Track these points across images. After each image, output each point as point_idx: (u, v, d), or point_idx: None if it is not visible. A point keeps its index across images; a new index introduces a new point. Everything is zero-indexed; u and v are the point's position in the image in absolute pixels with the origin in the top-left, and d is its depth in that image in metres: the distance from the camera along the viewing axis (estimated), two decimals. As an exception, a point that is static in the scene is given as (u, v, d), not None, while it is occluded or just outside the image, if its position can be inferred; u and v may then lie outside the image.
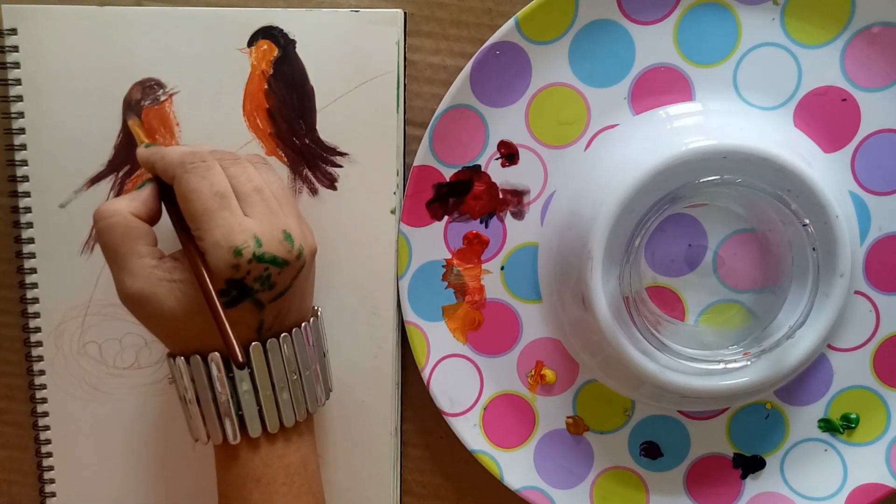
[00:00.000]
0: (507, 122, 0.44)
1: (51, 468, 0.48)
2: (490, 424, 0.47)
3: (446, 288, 0.46)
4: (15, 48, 0.45)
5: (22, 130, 0.46)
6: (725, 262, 0.44)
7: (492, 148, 0.44)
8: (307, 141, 0.45)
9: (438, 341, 0.46)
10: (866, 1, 0.42)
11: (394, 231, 0.45)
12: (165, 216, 0.40)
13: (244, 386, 0.38)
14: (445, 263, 0.46)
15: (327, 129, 0.45)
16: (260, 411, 0.39)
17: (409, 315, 0.46)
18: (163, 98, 0.45)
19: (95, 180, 0.46)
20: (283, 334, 0.39)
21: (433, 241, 0.45)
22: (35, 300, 0.47)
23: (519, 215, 0.45)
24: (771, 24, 0.43)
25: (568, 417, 0.47)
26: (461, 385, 0.46)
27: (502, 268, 0.46)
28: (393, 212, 0.45)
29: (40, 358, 0.47)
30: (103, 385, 0.48)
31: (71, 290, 0.47)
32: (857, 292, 0.45)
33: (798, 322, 0.40)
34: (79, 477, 0.49)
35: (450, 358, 0.46)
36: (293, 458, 0.40)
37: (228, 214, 0.37)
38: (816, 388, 0.46)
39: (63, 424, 0.48)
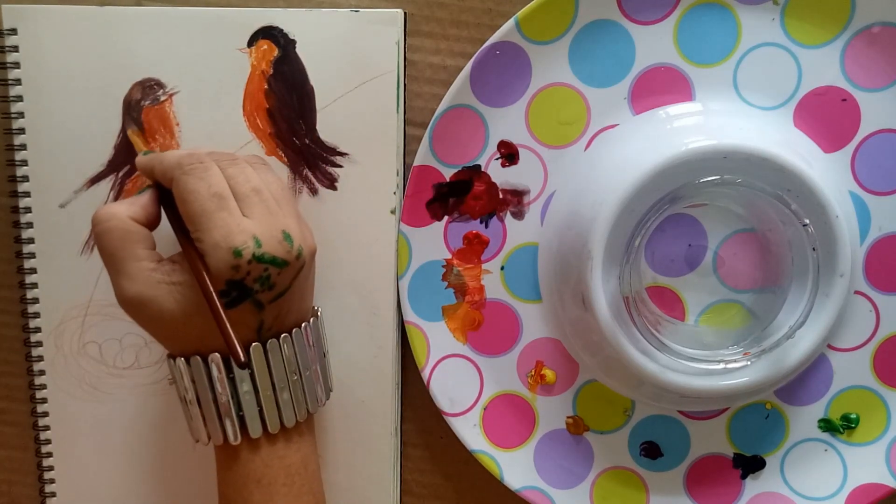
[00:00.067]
0: (507, 122, 0.44)
1: (51, 468, 0.48)
2: (490, 424, 0.47)
3: (446, 288, 0.46)
4: (15, 48, 0.45)
5: (22, 130, 0.46)
6: (725, 262, 0.44)
7: (492, 148, 0.44)
8: (307, 141, 0.45)
9: (438, 341, 0.46)
10: (866, 1, 0.42)
11: (394, 231, 0.45)
12: (165, 222, 0.40)
13: (244, 386, 0.38)
14: (445, 263, 0.46)
15: (327, 129, 0.45)
16: (260, 412, 0.39)
17: (409, 315, 0.46)
18: (163, 98, 0.45)
19: (95, 180, 0.46)
20: (283, 335, 0.39)
21: (433, 241, 0.45)
22: (35, 300, 0.47)
23: (519, 215, 0.45)
24: (771, 24, 0.43)
25: (568, 417, 0.47)
26: (461, 385, 0.46)
27: (502, 268, 0.46)
28: (393, 212, 0.45)
29: (40, 358, 0.47)
30: (103, 385, 0.48)
31: (71, 290, 0.47)
32: (857, 292, 0.45)
33: (798, 322, 0.40)
34: (79, 477, 0.49)
35: (450, 358, 0.46)
36: (294, 458, 0.40)
37: (227, 215, 0.36)
38: (816, 388, 0.46)
39: (63, 424, 0.48)
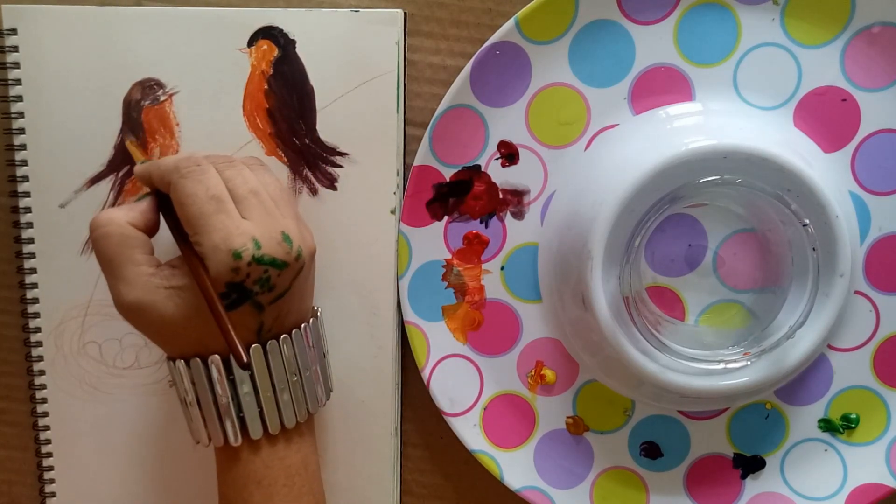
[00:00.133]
0: (507, 122, 0.44)
1: (51, 468, 0.48)
2: (490, 424, 0.47)
3: (446, 288, 0.46)
4: (15, 48, 0.45)
5: (22, 130, 0.46)
6: (725, 262, 0.44)
7: (492, 148, 0.44)
8: (307, 141, 0.45)
9: (438, 341, 0.46)
10: (866, 1, 0.42)
11: (394, 231, 0.45)
12: (164, 227, 0.40)
13: (245, 388, 0.38)
14: (445, 263, 0.46)
15: (327, 129, 0.45)
16: (261, 413, 0.39)
17: (409, 315, 0.46)
18: (163, 98, 0.45)
19: (95, 180, 0.46)
20: (283, 336, 0.39)
21: (433, 241, 0.45)
22: (35, 300, 0.47)
23: (519, 215, 0.45)
24: (771, 24, 0.43)
25: (568, 417, 0.47)
26: (461, 385, 0.46)
27: (502, 268, 0.46)
28: (393, 212, 0.45)
29: (40, 358, 0.47)
30: (103, 385, 0.48)
31: (71, 290, 0.47)
32: (857, 292, 0.45)
33: (798, 322, 0.40)
34: (79, 477, 0.49)
35: (450, 358, 0.46)
36: (294, 458, 0.40)
37: (225, 217, 0.36)
38: (816, 388, 0.46)
39: (63, 424, 0.48)
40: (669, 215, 0.44)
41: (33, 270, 0.47)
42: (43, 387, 0.48)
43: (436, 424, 0.48)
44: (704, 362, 0.41)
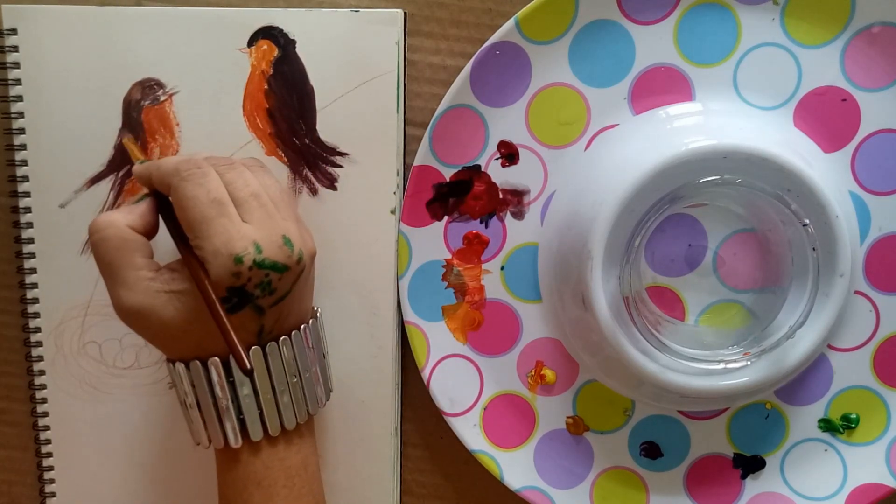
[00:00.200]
0: (507, 122, 0.44)
1: (51, 468, 0.48)
2: (490, 424, 0.47)
3: (446, 288, 0.46)
4: (15, 48, 0.45)
5: (22, 130, 0.46)
6: (725, 262, 0.44)
7: (492, 148, 0.44)
8: (307, 141, 0.45)
9: (438, 341, 0.46)
10: (866, 1, 0.42)
11: (394, 231, 0.45)
12: (163, 230, 0.40)
13: (245, 390, 0.38)
14: (445, 263, 0.46)
15: (327, 129, 0.45)
16: (261, 415, 0.39)
17: (409, 315, 0.46)
18: (163, 98, 0.45)
19: (95, 180, 0.46)
20: (283, 337, 0.39)
21: (433, 241, 0.45)
22: (35, 300, 0.47)
23: (519, 215, 0.45)
24: (771, 24, 0.43)
25: (568, 417, 0.47)
26: (461, 385, 0.46)
27: (502, 268, 0.46)
28: (393, 212, 0.45)
29: (40, 358, 0.47)
30: (103, 385, 0.48)
31: (71, 290, 0.47)
32: (857, 292, 0.45)
33: (798, 322, 0.40)
34: (79, 477, 0.49)
35: (450, 358, 0.46)
36: (294, 460, 0.40)
37: (227, 221, 0.36)
38: (816, 388, 0.46)
39: (63, 424, 0.48)
40: (669, 215, 0.44)
41: (33, 270, 0.47)
42: (43, 387, 0.48)
43: (436, 424, 0.48)
44: (704, 362, 0.41)
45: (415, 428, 0.49)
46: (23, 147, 0.46)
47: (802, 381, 0.46)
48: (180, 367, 0.39)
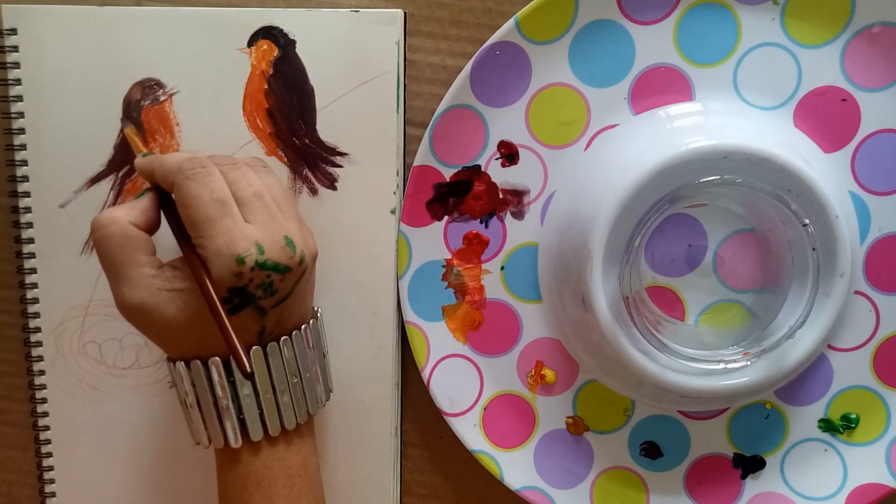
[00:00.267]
0: (507, 122, 0.44)
1: (51, 468, 0.48)
2: (490, 424, 0.47)
3: (446, 288, 0.46)
4: (15, 48, 0.45)
5: (22, 130, 0.46)
6: (725, 262, 0.44)
7: (492, 148, 0.44)
8: (307, 141, 0.45)
9: (438, 341, 0.46)
10: (866, 1, 0.42)
11: (394, 231, 0.45)
12: (165, 226, 0.40)
13: (245, 390, 0.38)
14: (445, 263, 0.46)
15: (327, 129, 0.45)
16: (261, 414, 0.39)
17: (409, 315, 0.46)
18: (163, 98, 0.45)
19: (95, 180, 0.46)
20: (284, 337, 0.39)
21: (433, 241, 0.45)
22: (35, 300, 0.47)
23: (519, 215, 0.45)
24: (771, 24, 0.43)
25: (568, 417, 0.47)
26: (461, 385, 0.46)
27: (502, 268, 0.46)
28: (393, 212, 0.45)
29: (40, 358, 0.47)
30: (103, 385, 0.48)
31: (71, 290, 0.47)
32: (857, 292, 0.45)
33: (798, 322, 0.40)
34: (79, 477, 0.49)
35: (450, 358, 0.46)
36: (294, 460, 0.40)
37: (230, 221, 0.36)
38: (816, 388, 0.46)
39: (63, 424, 0.48)
40: (669, 215, 0.44)
41: (33, 270, 0.47)
42: (43, 387, 0.48)
43: (436, 424, 0.48)
44: (704, 362, 0.41)
45: (415, 428, 0.49)
46: (23, 147, 0.46)
47: (802, 381, 0.46)
48: (181, 366, 0.39)
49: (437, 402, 0.46)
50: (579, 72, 0.43)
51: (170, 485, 0.48)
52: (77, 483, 0.49)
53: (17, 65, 0.45)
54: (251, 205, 0.37)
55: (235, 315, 0.37)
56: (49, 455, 0.48)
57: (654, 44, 0.43)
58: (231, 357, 0.38)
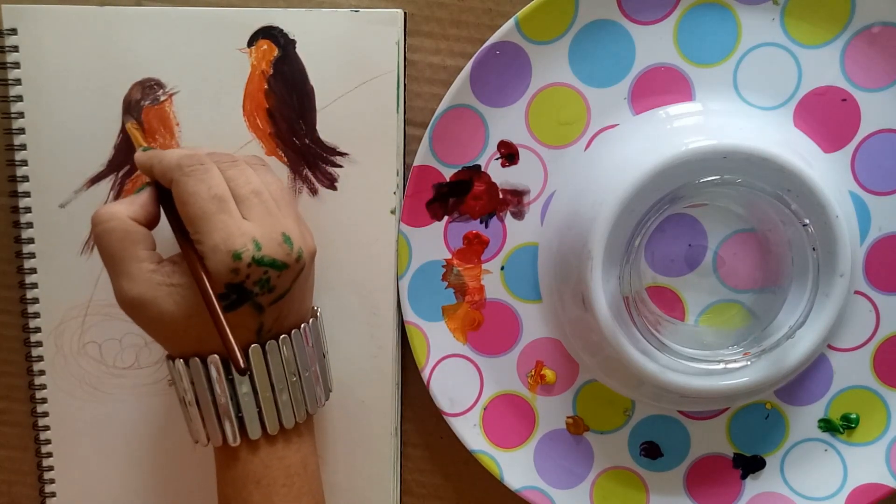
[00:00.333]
0: (507, 122, 0.44)
1: (51, 468, 0.48)
2: (490, 424, 0.47)
3: (446, 288, 0.46)
4: (15, 48, 0.45)
5: (22, 130, 0.46)
6: (725, 262, 0.44)
7: (492, 148, 0.44)
8: (307, 141, 0.45)
9: (438, 341, 0.46)
10: (866, 1, 0.42)
11: (394, 231, 0.45)
12: (164, 220, 0.40)
13: (244, 388, 0.38)
14: (445, 263, 0.46)
15: (327, 129, 0.45)
16: (259, 413, 0.39)
17: (409, 315, 0.46)
18: (163, 98, 0.45)
19: (95, 180, 0.46)
20: (283, 336, 0.39)
21: (433, 241, 0.45)
22: (35, 300, 0.47)
23: (519, 215, 0.45)
24: (771, 24, 0.43)
25: (568, 417, 0.47)
26: (461, 385, 0.46)
27: (502, 268, 0.46)
28: (393, 212, 0.45)
29: (40, 358, 0.47)
30: (103, 385, 0.48)
31: (71, 290, 0.47)
32: (857, 292, 0.45)
33: (798, 322, 0.40)
34: (79, 477, 0.49)
35: (450, 358, 0.46)
36: (293, 459, 0.40)
37: (227, 218, 0.36)
38: (816, 388, 0.46)
39: (63, 424, 0.48)
40: (669, 215, 0.44)
41: (33, 270, 0.47)
42: (43, 387, 0.48)
43: (436, 424, 0.48)
44: (704, 362, 0.41)
45: (415, 428, 0.49)
46: (23, 147, 0.46)
47: (802, 381, 0.46)
48: (180, 364, 0.39)
49: (437, 402, 0.46)
50: (579, 72, 0.43)
51: (170, 484, 0.48)
52: (77, 483, 0.49)
53: (17, 65, 0.45)
54: (249, 201, 0.37)
55: (233, 312, 0.37)
56: (49, 455, 0.48)
57: (654, 44, 0.43)
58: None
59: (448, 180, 0.45)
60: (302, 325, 0.41)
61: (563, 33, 0.43)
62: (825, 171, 0.42)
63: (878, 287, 0.45)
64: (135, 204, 0.39)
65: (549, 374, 0.46)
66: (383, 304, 0.46)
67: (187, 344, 0.38)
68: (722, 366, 0.41)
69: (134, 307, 0.38)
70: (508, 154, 0.44)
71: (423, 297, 0.46)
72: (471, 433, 0.46)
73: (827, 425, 0.46)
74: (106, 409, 0.48)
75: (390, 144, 0.45)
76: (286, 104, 0.45)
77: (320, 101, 0.45)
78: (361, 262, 0.46)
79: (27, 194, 0.46)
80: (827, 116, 0.43)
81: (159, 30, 0.45)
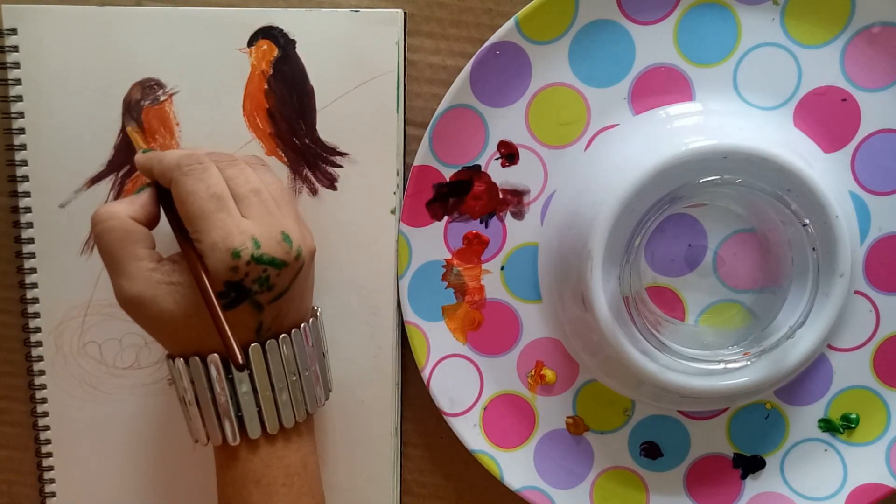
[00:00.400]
0: (507, 122, 0.44)
1: (51, 468, 0.48)
2: (490, 424, 0.47)
3: (446, 288, 0.46)
4: (15, 48, 0.45)
5: (22, 130, 0.46)
6: (725, 262, 0.44)
7: (492, 148, 0.44)
8: (307, 141, 0.45)
9: (438, 341, 0.46)
10: (866, 1, 0.42)
11: (394, 231, 0.45)
12: (164, 221, 0.40)
13: (243, 387, 0.38)
14: (445, 263, 0.46)
15: (327, 129, 0.45)
16: (259, 412, 0.39)
17: (409, 315, 0.46)
18: (163, 98, 0.45)
19: (95, 180, 0.46)
20: (283, 335, 0.39)
21: (433, 241, 0.45)
22: (35, 300, 0.47)
23: (519, 215, 0.45)
24: (771, 24, 0.43)
25: (568, 417, 0.47)
26: (461, 385, 0.46)
27: (502, 268, 0.46)
28: (393, 212, 0.45)
29: (40, 358, 0.47)
30: (103, 385, 0.48)
31: (71, 290, 0.47)
32: (857, 292, 0.45)
33: (798, 322, 0.40)
34: (79, 477, 0.49)
35: (450, 358, 0.46)
36: (293, 458, 0.40)
37: (226, 216, 0.36)
38: (816, 388, 0.46)
39: (63, 424, 0.48)
40: (669, 215, 0.44)
41: (33, 270, 0.47)
42: (43, 387, 0.48)
43: (436, 424, 0.48)
44: (704, 362, 0.41)
45: (415, 428, 0.49)
46: (23, 147, 0.46)
47: (802, 381, 0.46)
48: (180, 363, 0.39)
49: (437, 402, 0.46)
50: (579, 72, 0.43)
51: (169, 484, 0.48)
52: (77, 483, 0.49)
53: (17, 65, 0.45)
54: (248, 200, 0.37)
55: (232, 310, 0.37)
56: (49, 455, 0.48)
57: (654, 44, 0.43)
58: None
59: (448, 180, 0.45)
60: (302, 325, 0.41)
61: (563, 33, 0.43)
62: (825, 171, 0.42)
63: (878, 287, 0.45)
64: (135, 204, 0.39)
65: (549, 374, 0.46)
66: (383, 304, 0.46)
67: (187, 343, 0.39)
68: (722, 366, 0.41)
69: (134, 306, 0.38)
70: (508, 154, 0.44)
71: (423, 297, 0.46)
72: (471, 433, 0.46)
73: (827, 425, 0.46)
74: (106, 409, 0.48)
75: (390, 144, 0.45)
76: (286, 104, 0.45)
77: (320, 101, 0.45)
78: (361, 262, 0.46)
79: (27, 194, 0.46)
80: (827, 116, 0.43)
81: (159, 30, 0.45)
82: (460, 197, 0.45)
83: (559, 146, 0.44)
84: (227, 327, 0.36)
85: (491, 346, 0.46)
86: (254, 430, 0.39)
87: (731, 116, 0.43)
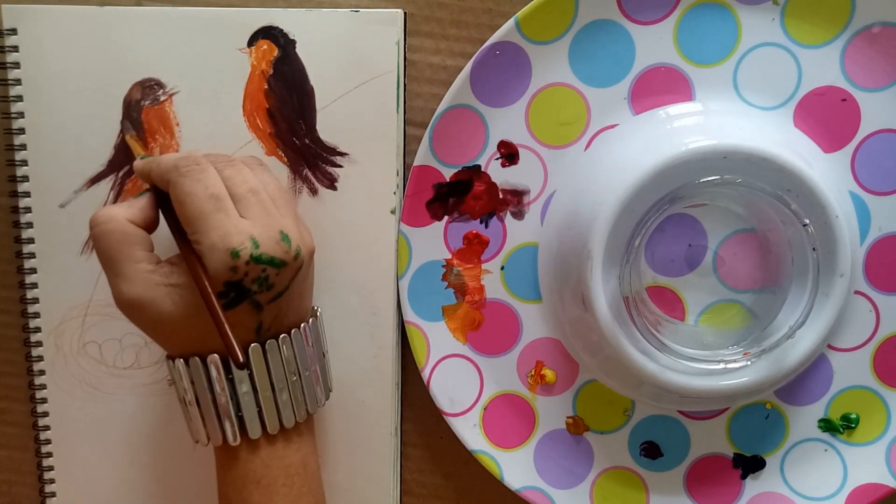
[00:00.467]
0: (507, 122, 0.44)
1: (51, 468, 0.48)
2: (490, 424, 0.47)
3: (446, 288, 0.46)
4: (15, 48, 0.45)
5: (22, 130, 0.46)
6: (725, 262, 0.44)
7: (492, 148, 0.44)
8: (307, 141, 0.45)
9: (438, 341, 0.46)
10: (866, 1, 0.42)
11: (394, 231, 0.45)
12: (164, 224, 0.40)
13: (244, 387, 0.38)
14: (445, 263, 0.46)
15: (327, 129, 0.45)
16: (259, 412, 0.39)
17: (409, 315, 0.46)
18: (163, 98, 0.45)
19: (95, 180, 0.46)
20: (283, 335, 0.39)
21: (433, 241, 0.45)
22: (35, 300, 0.47)
23: (519, 215, 0.45)
24: (771, 24, 0.43)
25: (568, 417, 0.47)
26: (461, 385, 0.46)
27: (502, 268, 0.46)
28: (393, 212, 0.45)
29: (40, 358, 0.47)
30: (103, 385, 0.48)
31: (71, 290, 0.47)
32: (857, 292, 0.45)
33: (798, 322, 0.40)
34: (79, 477, 0.49)
35: (450, 358, 0.46)
36: (293, 458, 0.40)
37: (224, 216, 0.36)
38: (816, 388, 0.46)
39: (63, 424, 0.48)
40: (669, 215, 0.44)
41: (33, 270, 0.47)
42: (43, 387, 0.48)
43: (436, 424, 0.48)
44: (704, 362, 0.41)
45: (415, 428, 0.49)
46: (23, 147, 0.46)
47: (802, 381, 0.46)
48: (180, 363, 0.39)
49: (437, 402, 0.46)
50: (579, 72, 0.43)
51: (169, 484, 0.48)
52: (77, 483, 0.49)
53: (17, 65, 0.45)
54: (246, 200, 0.37)
55: (232, 310, 0.37)
56: (49, 455, 0.48)
57: (654, 44, 0.43)
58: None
59: (448, 180, 0.45)
60: (302, 325, 0.41)
61: (563, 33, 0.43)
62: (825, 171, 0.42)
63: (878, 287, 0.45)
64: (133, 207, 0.39)
65: (549, 374, 0.46)
66: (383, 304, 0.46)
67: (187, 344, 0.38)
68: (722, 366, 0.41)
69: (132, 308, 0.38)
70: (508, 154, 0.44)
71: (423, 297, 0.46)
72: (471, 433, 0.46)
73: (827, 425, 0.46)
74: (106, 409, 0.48)
75: (390, 144, 0.45)
76: (286, 104, 0.45)
77: (320, 101, 0.45)
78: (361, 262, 0.46)
79: (27, 194, 0.46)
80: (827, 116, 0.43)
81: (159, 30, 0.45)
82: (460, 197, 0.45)
83: (559, 146, 0.44)
84: (227, 327, 0.36)
85: (491, 346, 0.46)
86: (254, 431, 0.39)
87: (731, 116, 0.43)
